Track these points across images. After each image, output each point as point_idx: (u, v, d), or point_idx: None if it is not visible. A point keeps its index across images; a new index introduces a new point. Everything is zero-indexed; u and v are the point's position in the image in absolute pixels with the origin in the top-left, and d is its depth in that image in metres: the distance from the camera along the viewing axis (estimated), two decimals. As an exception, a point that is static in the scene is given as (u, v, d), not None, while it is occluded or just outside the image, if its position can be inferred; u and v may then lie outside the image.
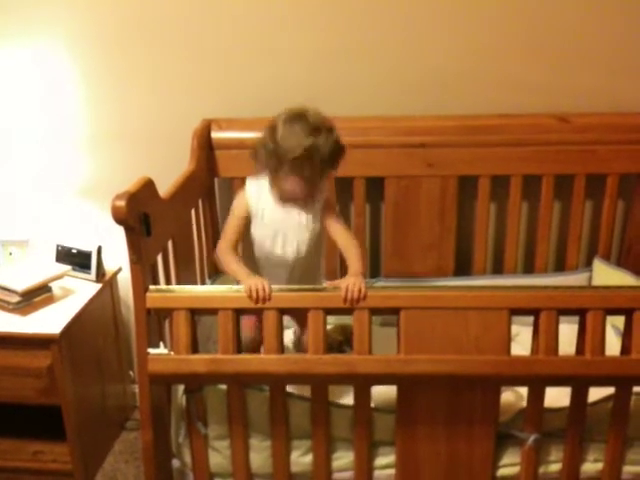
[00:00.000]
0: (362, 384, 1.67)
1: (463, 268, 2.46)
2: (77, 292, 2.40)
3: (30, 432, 2.41)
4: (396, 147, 2.32)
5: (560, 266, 2.48)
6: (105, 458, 2.50)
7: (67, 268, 2.42)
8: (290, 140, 1.71)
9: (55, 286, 2.40)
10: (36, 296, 2.33)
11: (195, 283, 2.24)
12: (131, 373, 2.67)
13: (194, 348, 1.67)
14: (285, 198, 1.83)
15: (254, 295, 1.62)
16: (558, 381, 1.65)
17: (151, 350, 1.66)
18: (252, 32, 2.33)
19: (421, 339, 1.61)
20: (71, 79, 2.40)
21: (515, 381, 1.68)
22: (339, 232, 1.86)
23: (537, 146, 2.29)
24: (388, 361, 1.62)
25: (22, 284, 2.28)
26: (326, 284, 1.68)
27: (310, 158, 1.71)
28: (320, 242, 1.93)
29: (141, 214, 1.60)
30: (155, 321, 1.71)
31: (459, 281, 2.40)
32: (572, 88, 2.29)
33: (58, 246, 2.51)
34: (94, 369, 2.44)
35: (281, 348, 1.65)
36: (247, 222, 1.89)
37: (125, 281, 2.37)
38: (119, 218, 1.53)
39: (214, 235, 2.43)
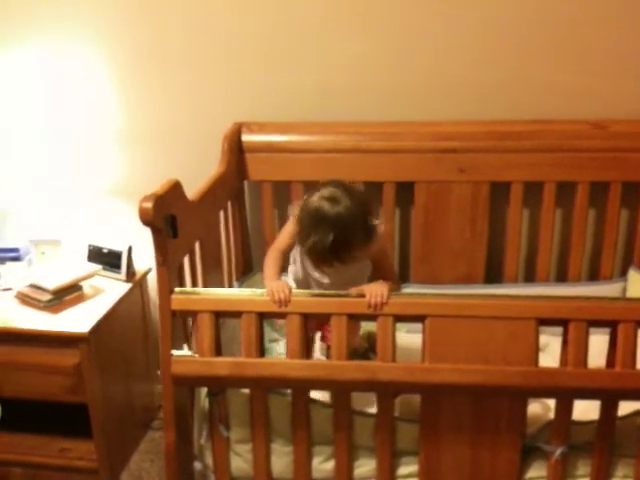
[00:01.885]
0: (385, 392, 1.65)
1: (494, 276, 2.42)
2: (107, 291, 2.42)
3: (57, 429, 2.43)
4: (427, 152, 2.29)
5: (594, 275, 2.42)
6: (131, 457, 2.51)
7: (98, 267, 2.45)
8: (312, 240, 1.71)
9: (86, 285, 2.42)
10: (67, 295, 2.35)
11: (222, 286, 2.25)
12: (158, 373, 2.68)
13: (218, 351, 1.66)
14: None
15: (275, 297, 1.61)
16: (587, 394, 1.61)
17: (175, 352, 1.66)
18: (286, 35, 2.33)
19: (446, 348, 1.58)
20: (103, 78, 2.43)
21: (542, 393, 1.64)
22: (383, 269, 1.88)
23: (571, 152, 2.24)
24: (411, 369, 1.59)
25: (53, 282, 2.31)
26: (350, 290, 1.66)
27: (331, 254, 1.70)
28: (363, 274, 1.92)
29: (168, 216, 1.61)
30: (180, 322, 1.71)
31: (489, 289, 2.36)
32: (608, 94, 2.24)
33: (90, 246, 2.54)
34: (122, 368, 2.46)
35: (305, 353, 1.63)
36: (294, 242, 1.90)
37: (154, 281, 2.36)
38: (146, 220, 1.54)
39: (242, 238, 2.43)
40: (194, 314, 1.65)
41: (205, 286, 2.01)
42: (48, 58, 2.42)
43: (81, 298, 2.37)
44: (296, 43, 2.33)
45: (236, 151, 2.33)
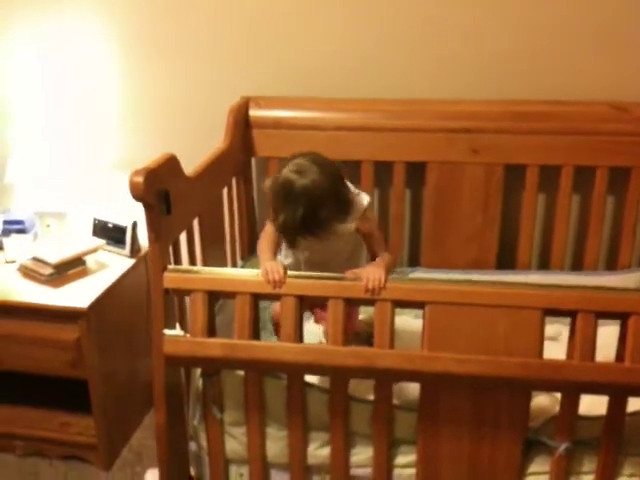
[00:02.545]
0: (382, 379, 1.59)
1: (506, 262, 2.34)
2: (111, 267, 2.39)
3: (58, 403, 2.41)
4: (439, 131, 2.22)
5: (611, 264, 2.34)
6: (132, 434, 2.49)
7: (101, 242, 2.41)
8: (282, 217, 1.62)
9: (90, 259, 2.39)
10: (70, 269, 2.32)
11: (225, 265, 2.20)
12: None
13: (211, 331, 1.61)
14: None
15: (270, 278, 1.55)
16: (594, 388, 1.53)
17: (167, 331, 1.61)
18: (297, 8, 2.26)
19: (446, 336, 1.52)
20: (107, 51, 2.38)
21: (546, 386, 1.57)
22: (373, 242, 1.79)
23: (591, 135, 2.15)
24: (410, 357, 1.53)
25: (55, 256, 2.28)
26: (347, 273, 1.60)
27: (302, 228, 1.61)
28: (359, 243, 1.84)
29: (161, 191, 1.55)
30: (174, 301, 1.66)
31: (500, 275, 2.28)
32: (631, 75, 2.14)
33: (95, 220, 2.50)
34: (124, 344, 2.43)
35: (299, 337, 1.58)
36: None
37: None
38: (137, 194, 1.49)
39: (249, 215, 2.38)
40: (187, 293, 1.60)
41: (205, 264, 1.96)
42: (49, 30, 2.38)
43: (84, 273, 2.34)
44: (307, 16, 2.26)
45: (242, 126, 2.27)
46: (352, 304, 1.59)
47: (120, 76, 2.40)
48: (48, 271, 2.27)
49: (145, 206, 1.53)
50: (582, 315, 1.48)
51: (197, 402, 1.76)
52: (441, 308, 1.51)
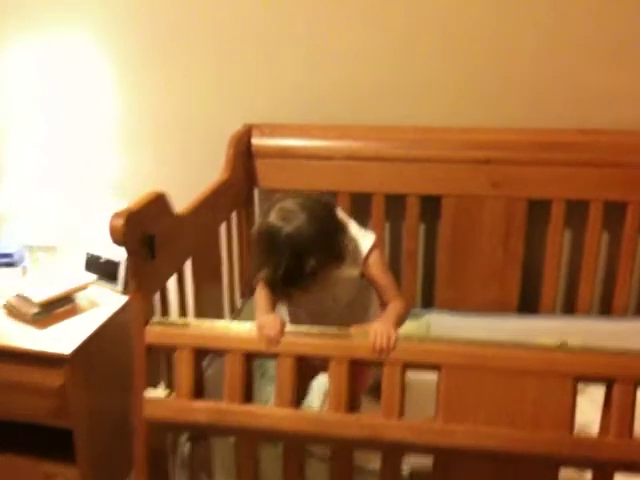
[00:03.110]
0: (391, 452, 1.40)
1: (529, 303, 2.16)
2: (102, 304, 2.22)
3: (44, 451, 2.24)
4: (457, 162, 2.05)
5: (643, 308, 2.14)
6: (124, 482, 2.31)
7: (92, 279, 2.25)
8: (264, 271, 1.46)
9: (81, 296, 2.23)
10: (57, 307, 2.16)
11: (221, 306, 2.04)
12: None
13: (198, 392, 1.43)
14: None
15: (264, 334, 1.38)
16: (632, 468, 1.33)
17: (149, 392, 1.44)
18: (302, 28, 2.10)
19: (464, 405, 1.33)
20: (103, 76, 2.24)
21: (578, 463, 1.37)
22: (382, 286, 1.60)
23: (622, 168, 1.98)
24: (421, 429, 1.34)
25: (42, 294, 2.13)
26: (353, 328, 1.41)
27: (286, 285, 1.44)
28: (366, 288, 1.67)
29: (145, 235, 1.38)
30: (158, 356, 1.49)
31: (523, 319, 2.12)
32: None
33: (87, 254, 2.34)
34: (115, 390, 2.25)
35: (297, 402, 1.39)
36: None
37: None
38: (117, 239, 1.33)
39: (250, 250, 2.20)
40: (172, 349, 1.42)
41: (199, 308, 1.79)
42: (45, 55, 2.25)
43: (73, 311, 2.17)
44: (316, 37, 2.10)
45: (245, 156, 2.11)
46: (358, 365, 1.40)
47: (116, 102, 2.26)
48: (33, 310, 2.12)
49: (127, 252, 1.35)
50: (620, 385, 1.29)
51: (183, 468, 1.58)
52: (459, 372, 1.33)
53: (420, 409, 1.43)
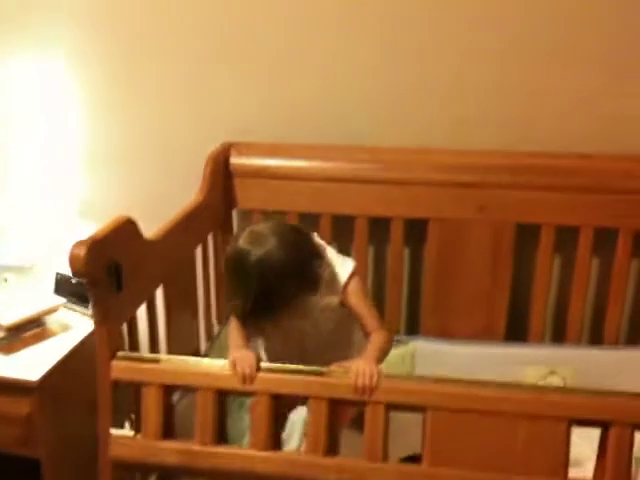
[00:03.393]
0: (373, 496, 1.32)
1: (516, 331, 2.08)
2: (73, 328, 2.12)
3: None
4: (442, 185, 1.97)
5: (635, 337, 2.07)
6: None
7: (60, 302, 2.15)
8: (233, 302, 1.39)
9: (51, 320, 2.13)
10: (25, 331, 2.06)
11: (196, 332, 1.95)
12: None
13: (167, 431, 1.34)
14: None
15: (238, 371, 1.29)
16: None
17: (113, 430, 1.34)
18: (283, 43, 2.02)
19: (452, 449, 1.25)
20: (72, 91, 2.15)
21: (572, 510, 1.29)
22: (363, 315, 1.53)
23: (615, 194, 1.90)
24: (407, 475, 1.26)
25: (9, 317, 2.02)
26: (333, 366, 1.33)
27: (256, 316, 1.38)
28: (348, 329, 1.60)
29: (110, 264, 1.29)
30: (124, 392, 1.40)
31: (511, 347, 2.04)
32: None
33: (57, 274, 2.24)
34: (86, 417, 2.14)
35: (273, 443, 1.30)
36: None
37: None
38: (78, 270, 1.23)
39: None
40: (139, 385, 1.33)
41: (172, 336, 1.70)
42: (8, 73, 2.15)
43: (42, 335, 2.07)
44: (295, 52, 2.02)
45: (223, 175, 2.03)
46: (338, 404, 1.31)
47: (86, 119, 2.17)
48: (0, 334, 2.01)
49: (89, 283, 1.26)
50: (617, 428, 1.21)
51: (154, 509, 1.49)
52: (446, 415, 1.25)
53: (405, 440, 1.36)
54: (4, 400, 1.90)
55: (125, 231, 1.37)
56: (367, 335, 1.53)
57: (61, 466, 2.00)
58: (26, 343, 2.02)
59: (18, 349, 1.99)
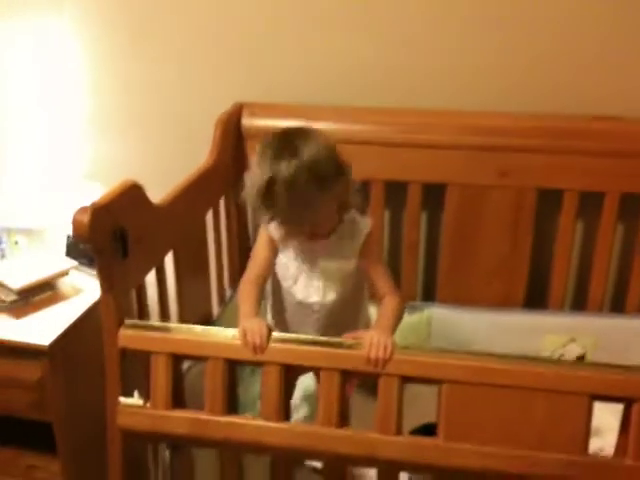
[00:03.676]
0: (386, 469, 1.29)
1: (536, 299, 2.03)
2: (85, 291, 2.09)
3: (26, 443, 2.13)
4: (461, 149, 1.90)
5: (658, 305, 2.01)
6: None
7: (71, 264, 2.12)
8: (261, 175, 1.35)
9: (63, 283, 2.10)
10: (36, 295, 2.04)
11: (209, 296, 1.91)
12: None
13: (176, 401, 1.31)
14: (303, 241, 1.49)
15: (248, 341, 1.25)
16: (651, 493, 1.22)
17: (122, 399, 1.32)
18: (296, 6, 1.94)
19: (468, 424, 1.21)
20: (77, 52, 2.08)
21: (592, 486, 1.25)
22: (377, 277, 1.49)
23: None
24: (421, 447, 1.23)
25: (20, 281, 2.00)
26: (345, 336, 1.29)
27: (283, 190, 1.32)
28: (359, 292, 1.55)
29: (116, 230, 1.25)
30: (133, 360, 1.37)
31: (530, 315, 1.99)
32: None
33: (68, 237, 2.21)
34: (99, 380, 2.13)
35: (284, 414, 1.27)
36: (273, 253, 1.54)
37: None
38: (81, 236, 1.19)
39: (240, 238, 2.08)
40: (147, 354, 1.30)
41: (182, 302, 1.67)
42: (15, 32, 2.09)
43: (53, 299, 2.05)
44: (312, 11, 1.93)
45: (234, 138, 1.97)
46: (350, 376, 1.27)
47: (95, 78, 2.10)
48: (11, 297, 1.99)
49: (93, 250, 1.22)
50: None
51: (165, 477, 1.47)
52: (462, 388, 1.21)
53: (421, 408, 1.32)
54: (16, 364, 1.89)
55: (131, 196, 1.33)
56: (379, 299, 1.48)
57: (73, 430, 1.99)
58: (37, 307, 2.00)
59: (29, 313, 1.97)
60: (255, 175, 1.35)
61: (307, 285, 1.49)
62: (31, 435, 2.11)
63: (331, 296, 1.49)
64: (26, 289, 2.00)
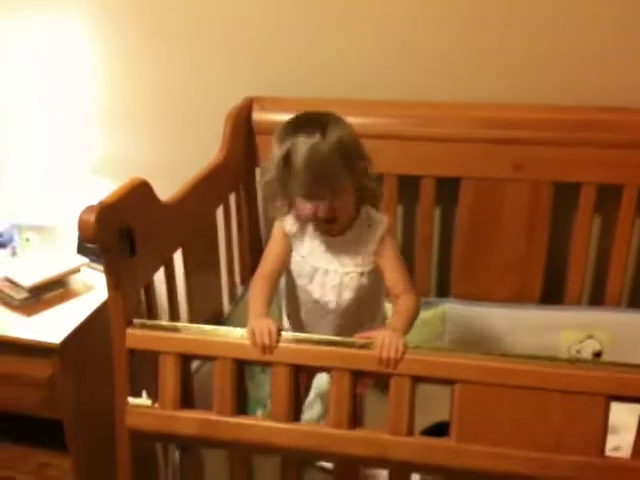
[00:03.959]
0: (398, 471, 1.26)
1: (552, 294, 2.00)
2: (97, 289, 2.08)
3: (38, 441, 2.13)
4: (476, 142, 1.86)
5: (677, 302, 1.97)
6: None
7: (83, 261, 2.11)
8: (282, 148, 1.35)
9: (74, 280, 2.09)
10: (47, 292, 2.03)
11: (220, 294, 1.89)
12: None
13: (185, 402, 1.30)
14: (318, 228, 1.47)
15: (257, 341, 1.23)
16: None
17: (131, 399, 1.30)
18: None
19: (481, 424, 1.18)
20: (88, 47, 2.07)
21: (609, 488, 1.22)
22: (393, 276, 1.46)
23: (661, 151, 1.78)
24: (433, 449, 1.20)
25: (31, 278, 1.99)
26: (356, 336, 1.27)
27: (305, 157, 1.32)
28: (375, 291, 1.52)
29: (123, 229, 1.23)
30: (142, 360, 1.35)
31: (546, 310, 1.96)
32: None
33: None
34: (109, 379, 2.12)
35: (293, 415, 1.25)
36: (287, 250, 1.52)
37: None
38: (87, 236, 1.18)
39: (252, 235, 2.06)
40: (155, 354, 1.28)
41: (192, 300, 1.65)
42: (23, 26, 2.08)
43: (64, 296, 2.04)
44: (320, 2, 1.90)
45: (245, 132, 1.94)
46: (361, 376, 1.25)
47: (106, 74, 2.09)
48: (22, 295, 1.99)
49: (100, 249, 1.20)
50: (660, 406, 1.13)
51: (175, 478, 1.46)
52: (475, 388, 1.18)
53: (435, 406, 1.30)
54: (26, 362, 1.89)
55: (139, 194, 1.31)
56: (395, 298, 1.45)
57: (84, 428, 1.99)
58: (48, 304, 1.99)
59: (40, 310, 1.96)
60: (274, 151, 1.36)
61: (323, 283, 1.46)
62: (43, 433, 2.12)
63: (347, 295, 1.46)
64: (37, 286, 1.99)
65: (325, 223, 1.40)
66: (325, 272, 1.46)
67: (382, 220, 1.48)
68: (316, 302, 1.49)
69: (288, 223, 1.49)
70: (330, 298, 1.47)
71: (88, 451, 2.01)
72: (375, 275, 1.50)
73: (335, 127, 1.36)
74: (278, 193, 1.42)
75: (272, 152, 1.38)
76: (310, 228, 1.49)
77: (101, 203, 1.20)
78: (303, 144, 1.31)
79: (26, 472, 2.09)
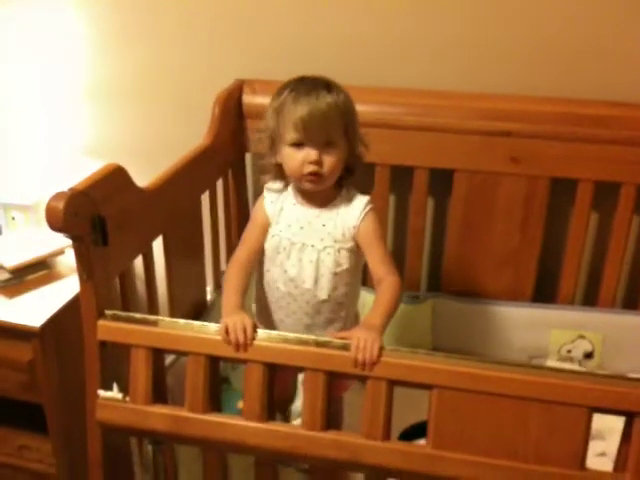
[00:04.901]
0: (373, 475, 1.22)
1: (545, 292, 1.95)
2: (80, 271, 2.04)
3: (18, 423, 2.11)
4: (472, 133, 1.81)
5: (672, 303, 1.92)
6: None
7: (68, 243, 2.06)
8: (285, 101, 1.38)
9: (57, 261, 2.06)
10: (30, 273, 2.00)
11: (203, 282, 1.86)
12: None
13: (157, 396, 1.26)
14: (302, 191, 1.42)
15: (231, 338, 1.19)
16: (652, 512, 1.14)
17: (102, 392, 1.26)
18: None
19: (458, 432, 1.14)
20: (76, 24, 2.01)
21: (589, 502, 1.18)
22: (375, 258, 1.40)
23: (661, 148, 1.72)
24: (408, 454, 1.16)
25: (13, 259, 1.96)
26: (332, 336, 1.22)
27: (304, 95, 1.35)
28: (353, 286, 1.47)
29: (94, 217, 1.19)
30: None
31: (537, 309, 1.92)
32: None
33: (65, 214, 2.15)
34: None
35: (267, 414, 1.21)
36: (265, 232, 1.47)
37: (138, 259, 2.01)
38: (56, 224, 1.13)
39: (239, 222, 2.01)
40: (127, 347, 1.24)
41: (172, 288, 1.61)
42: (10, 4, 2.02)
43: (47, 278, 2.01)
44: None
45: (234, 116, 1.89)
46: (337, 377, 1.21)
47: (95, 54, 2.03)
48: (3, 276, 1.96)
49: (71, 238, 1.16)
50: (643, 419, 1.08)
51: (146, 472, 1.42)
52: (453, 395, 1.14)
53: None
54: (6, 345, 1.86)
55: (113, 180, 1.26)
56: (377, 282, 1.39)
57: (65, 412, 1.96)
58: (30, 286, 1.96)
59: (22, 292, 1.92)
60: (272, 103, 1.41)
61: (300, 259, 1.40)
62: (23, 415, 2.09)
63: (324, 273, 1.40)
64: (20, 268, 1.96)
65: (311, 178, 1.35)
66: (302, 247, 1.40)
67: (364, 200, 1.43)
68: (292, 280, 1.43)
69: (269, 202, 1.45)
70: (307, 274, 1.41)
71: (68, 434, 1.99)
72: (355, 262, 1.44)
73: (339, 88, 1.40)
74: (269, 152, 1.44)
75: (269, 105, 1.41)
76: (290, 200, 1.44)
77: (71, 189, 1.15)
78: (305, 90, 1.35)
79: (5, 454, 2.07)
